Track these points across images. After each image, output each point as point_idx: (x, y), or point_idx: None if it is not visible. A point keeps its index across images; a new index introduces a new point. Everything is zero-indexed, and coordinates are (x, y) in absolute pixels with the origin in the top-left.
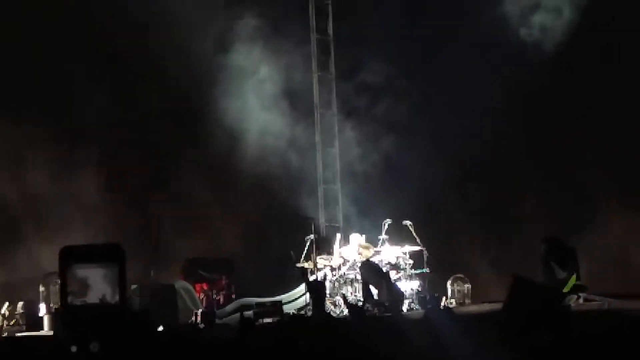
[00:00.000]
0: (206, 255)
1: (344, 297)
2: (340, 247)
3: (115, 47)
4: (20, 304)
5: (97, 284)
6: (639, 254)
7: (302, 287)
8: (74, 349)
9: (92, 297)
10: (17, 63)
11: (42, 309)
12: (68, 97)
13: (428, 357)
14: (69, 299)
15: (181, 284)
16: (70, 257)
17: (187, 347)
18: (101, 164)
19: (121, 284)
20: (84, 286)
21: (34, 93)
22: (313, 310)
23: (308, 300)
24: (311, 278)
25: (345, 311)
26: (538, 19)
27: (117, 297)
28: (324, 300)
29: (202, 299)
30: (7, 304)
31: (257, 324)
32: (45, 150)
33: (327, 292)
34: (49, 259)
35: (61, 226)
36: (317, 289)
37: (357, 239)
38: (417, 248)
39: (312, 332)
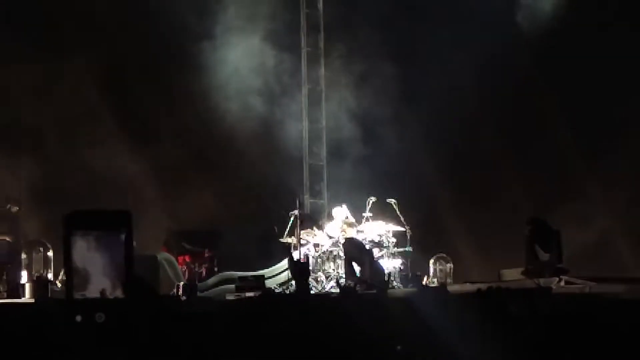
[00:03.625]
0: (189, 227)
1: (337, 281)
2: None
3: None
4: None
5: (98, 273)
6: (619, 238)
7: (285, 262)
8: (78, 318)
9: (93, 290)
10: None
11: (24, 276)
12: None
13: (413, 335)
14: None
15: (163, 256)
16: (74, 223)
17: (167, 319)
18: (81, 128)
19: (128, 257)
20: (85, 275)
21: None
22: (297, 289)
23: (290, 276)
24: (295, 255)
25: (328, 287)
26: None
27: (117, 291)
28: (307, 279)
29: (185, 271)
30: None
31: (239, 297)
32: None
33: (310, 267)
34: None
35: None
36: (300, 269)
37: (340, 212)
38: (400, 226)
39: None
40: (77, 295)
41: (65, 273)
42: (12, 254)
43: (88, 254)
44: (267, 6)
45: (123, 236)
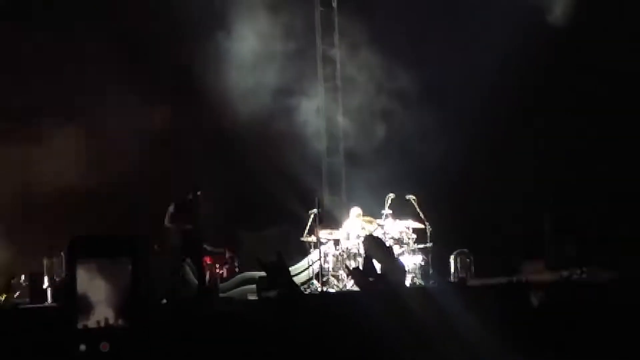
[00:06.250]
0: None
1: (347, 268)
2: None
3: None
4: (23, 276)
5: (101, 301)
6: None
7: (305, 262)
8: (82, 347)
9: (95, 318)
10: None
11: (46, 281)
12: None
13: (433, 329)
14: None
15: None
16: (79, 249)
17: (189, 321)
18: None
19: (134, 282)
20: (88, 304)
21: None
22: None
23: (311, 274)
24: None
25: (349, 285)
26: None
27: (120, 320)
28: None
29: (206, 272)
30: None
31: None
32: None
33: (331, 266)
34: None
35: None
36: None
37: (356, 212)
38: (420, 222)
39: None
40: (79, 325)
41: (67, 302)
42: None
43: (91, 282)
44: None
45: (129, 263)
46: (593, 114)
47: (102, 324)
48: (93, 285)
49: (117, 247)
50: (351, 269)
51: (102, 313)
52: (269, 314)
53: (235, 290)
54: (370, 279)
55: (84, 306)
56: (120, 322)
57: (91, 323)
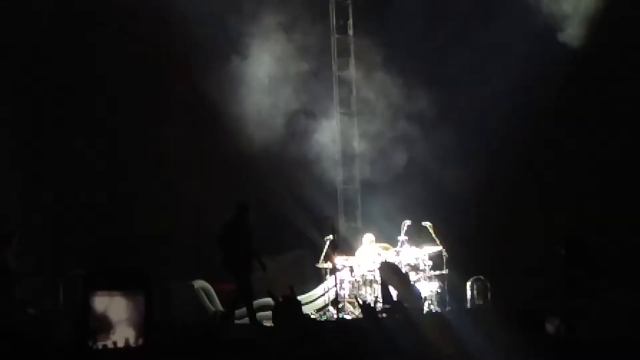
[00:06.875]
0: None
1: (356, 298)
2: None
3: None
4: None
5: (121, 322)
6: None
7: (321, 288)
8: None
9: (116, 338)
10: None
11: None
12: None
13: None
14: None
15: (200, 284)
16: (93, 283)
17: (205, 346)
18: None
19: (148, 315)
20: (106, 324)
21: None
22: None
23: (327, 301)
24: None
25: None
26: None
27: (140, 340)
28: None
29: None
30: None
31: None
32: None
33: (346, 292)
34: None
35: None
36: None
37: (369, 238)
38: (436, 249)
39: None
40: (99, 346)
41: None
42: None
43: (111, 302)
44: (298, 32)
45: (143, 295)
46: (616, 135)
47: (122, 344)
48: (113, 305)
49: (130, 280)
50: (362, 304)
51: (123, 333)
52: (284, 340)
53: None
54: (387, 306)
55: (103, 326)
56: (140, 342)
57: (110, 344)
